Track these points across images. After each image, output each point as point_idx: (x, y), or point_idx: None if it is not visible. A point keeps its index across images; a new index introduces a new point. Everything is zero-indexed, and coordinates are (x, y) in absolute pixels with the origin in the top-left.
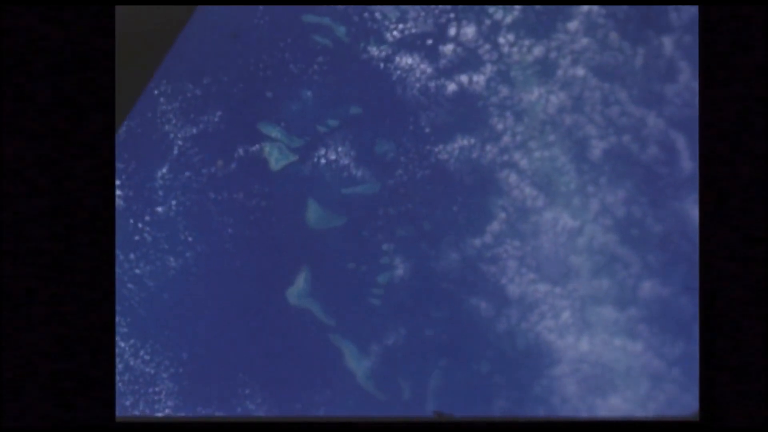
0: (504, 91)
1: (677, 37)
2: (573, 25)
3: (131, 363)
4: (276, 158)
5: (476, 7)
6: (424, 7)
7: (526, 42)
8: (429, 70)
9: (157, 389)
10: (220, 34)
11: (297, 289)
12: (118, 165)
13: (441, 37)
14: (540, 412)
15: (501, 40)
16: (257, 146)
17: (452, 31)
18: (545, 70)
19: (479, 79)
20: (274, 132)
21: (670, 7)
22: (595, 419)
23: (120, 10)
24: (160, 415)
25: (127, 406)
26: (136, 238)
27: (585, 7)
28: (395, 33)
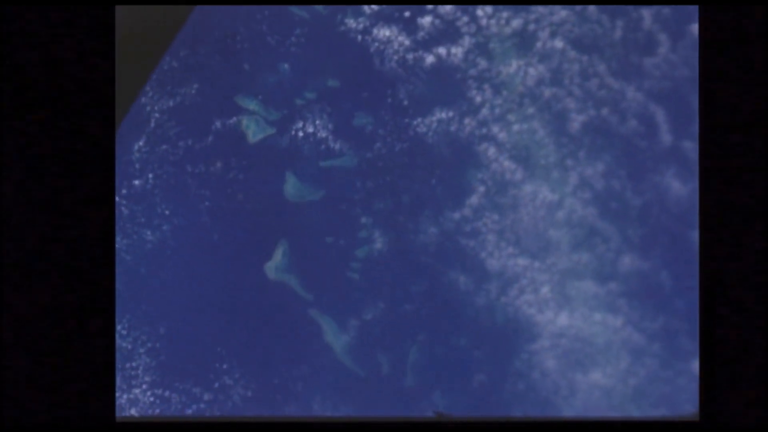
0: (482, 63)
1: (656, 10)
2: None
3: None
4: (253, 131)
5: None
6: None
7: (505, 14)
8: (407, 42)
9: (134, 364)
10: (197, 9)
11: (275, 263)
12: None
13: (419, 9)
14: (520, 387)
15: (479, 12)
16: (234, 119)
17: (430, 4)
18: (524, 42)
19: (457, 51)
20: (252, 104)
21: None
22: (595, 419)
23: (119, 10)
24: (137, 391)
25: None
26: None
27: None
28: (373, 5)
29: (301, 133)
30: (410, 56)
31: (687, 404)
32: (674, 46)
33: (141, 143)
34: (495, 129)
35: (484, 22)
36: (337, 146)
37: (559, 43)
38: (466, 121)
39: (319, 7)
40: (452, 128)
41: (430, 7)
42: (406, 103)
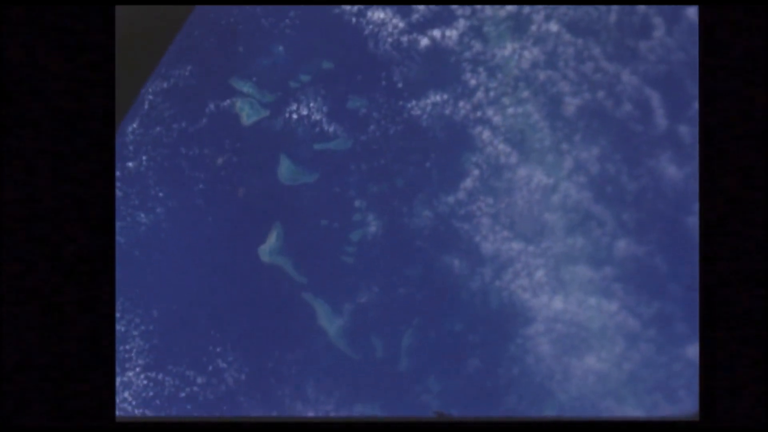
0: (477, 46)
1: None
2: None
3: None
4: (247, 113)
5: None
6: None
7: None
8: (401, 24)
9: (127, 347)
10: None
11: (269, 246)
12: None
13: None
14: (514, 372)
15: None
16: (228, 101)
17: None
18: (519, 25)
19: (452, 34)
20: (246, 87)
21: None
22: (595, 419)
23: (120, 10)
24: (130, 374)
25: None
26: None
27: None
28: None
29: (295, 116)
30: (405, 39)
31: (682, 390)
32: (670, 30)
33: (135, 125)
34: (490, 112)
35: (478, 5)
36: (332, 129)
37: (554, 26)
38: (461, 104)
39: None
40: (447, 111)
41: None
42: (400, 85)
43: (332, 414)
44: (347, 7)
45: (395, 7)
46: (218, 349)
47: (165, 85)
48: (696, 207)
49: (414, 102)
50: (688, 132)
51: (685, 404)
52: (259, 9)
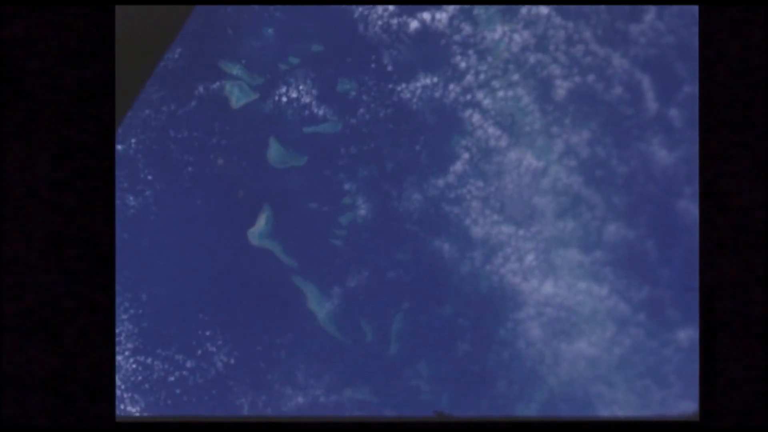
0: (467, 29)
1: None
2: None
3: None
4: (237, 96)
5: None
6: None
7: None
8: (391, 7)
9: (116, 331)
10: None
11: (258, 230)
12: None
13: None
14: (505, 356)
15: None
16: (218, 84)
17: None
18: (508, 8)
19: (442, 16)
20: (235, 70)
21: None
22: (595, 419)
23: (120, 10)
24: (119, 358)
25: None
26: None
27: None
28: None
29: (284, 99)
30: (394, 21)
31: (672, 375)
32: (660, 14)
33: None
34: (479, 95)
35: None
36: (321, 112)
37: (544, 9)
38: (451, 87)
39: None
40: (436, 94)
41: None
42: (390, 68)
43: (322, 399)
44: None
45: None
46: (207, 333)
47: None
48: (687, 190)
49: (404, 85)
50: (679, 115)
51: (676, 388)
52: None
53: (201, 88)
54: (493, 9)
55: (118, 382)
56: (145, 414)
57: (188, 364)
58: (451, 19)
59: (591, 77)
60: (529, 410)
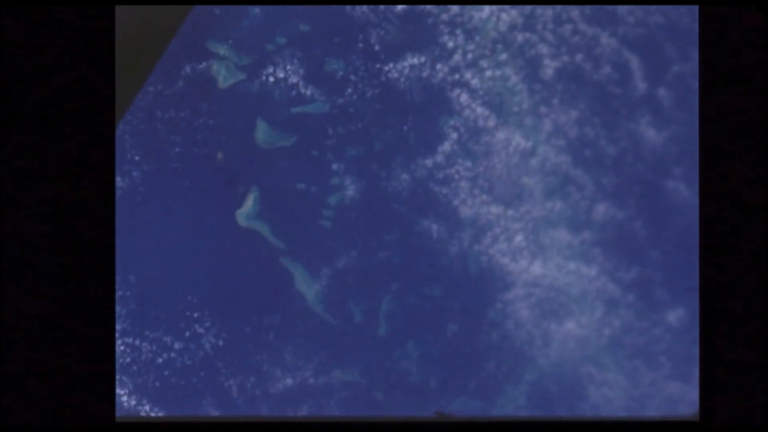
0: (454, 8)
1: None
2: None
3: None
4: (224, 76)
5: None
6: None
7: None
8: None
9: None
10: None
11: (246, 211)
12: None
13: None
14: (493, 337)
15: None
16: (204, 64)
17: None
18: None
19: None
20: (222, 49)
21: None
22: (595, 419)
23: (119, 10)
24: None
25: None
26: None
27: None
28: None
29: (271, 79)
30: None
31: (662, 356)
32: None
33: None
34: (467, 75)
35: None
36: (308, 92)
37: None
38: (438, 66)
39: None
40: (424, 74)
41: None
42: (377, 48)
43: (311, 380)
44: None
45: None
46: (195, 315)
47: None
48: (676, 171)
49: (391, 65)
50: (667, 95)
51: (666, 369)
52: None
53: (188, 68)
54: None
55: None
56: (133, 396)
57: (176, 346)
58: None
59: (579, 57)
60: (518, 391)
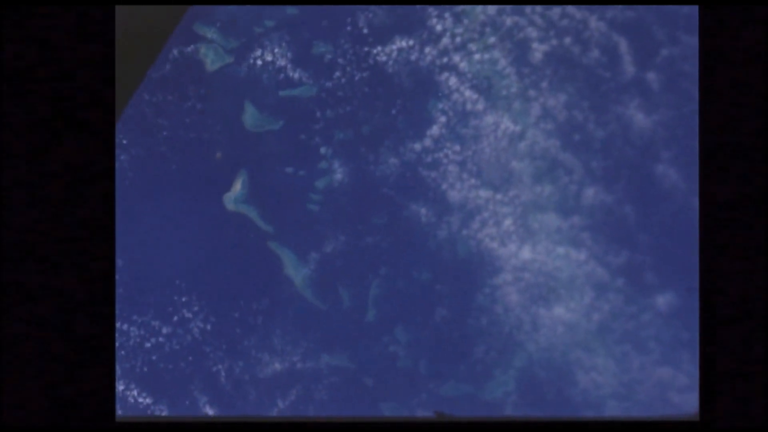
0: None
1: None
2: None
3: None
4: (211, 59)
5: None
6: None
7: None
8: None
9: None
10: None
11: (234, 194)
12: None
13: None
14: (483, 322)
15: None
16: (192, 47)
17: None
18: None
19: None
20: (210, 33)
21: None
22: (595, 419)
23: (119, 10)
24: None
25: None
26: None
27: None
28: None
29: (259, 62)
30: None
31: (651, 341)
32: None
33: None
34: (456, 58)
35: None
36: (296, 75)
37: None
38: (427, 50)
39: None
40: (413, 57)
41: None
42: (365, 31)
43: (299, 365)
44: None
45: None
46: (183, 299)
47: None
48: (664, 155)
49: (379, 48)
50: (656, 79)
51: (655, 354)
52: None
53: (176, 52)
54: None
55: None
56: (121, 381)
57: (164, 331)
58: None
59: (568, 40)
60: (507, 376)
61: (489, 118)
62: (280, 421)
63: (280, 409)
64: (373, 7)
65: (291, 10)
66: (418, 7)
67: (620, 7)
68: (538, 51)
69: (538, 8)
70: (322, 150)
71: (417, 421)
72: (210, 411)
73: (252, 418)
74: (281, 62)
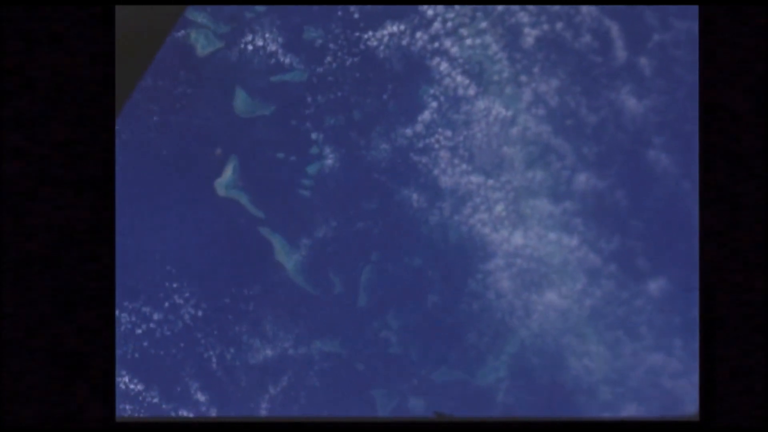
0: None
1: None
2: None
3: None
4: (202, 44)
5: None
6: None
7: None
8: None
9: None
10: None
11: (225, 180)
12: None
13: None
14: (474, 308)
15: None
16: (183, 32)
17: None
18: None
19: None
20: (200, 17)
21: None
22: (595, 419)
23: (119, 10)
24: None
25: None
26: None
27: None
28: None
29: (250, 47)
30: None
31: (643, 327)
32: None
33: None
34: (447, 43)
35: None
36: (287, 60)
37: None
38: (418, 35)
39: None
40: (404, 42)
41: None
42: (356, 16)
43: (290, 351)
44: None
45: None
46: (174, 285)
47: None
48: (656, 140)
49: (371, 33)
50: (648, 64)
51: (647, 341)
52: None
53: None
54: None
55: None
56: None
57: (155, 317)
58: None
59: (560, 25)
60: (499, 362)
61: (480, 104)
62: (281, 421)
63: (271, 395)
64: None
65: None
66: None
67: None
68: (530, 36)
69: None
70: (313, 135)
71: (417, 421)
72: (201, 397)
73: (252, 418)
74: (272, 47)
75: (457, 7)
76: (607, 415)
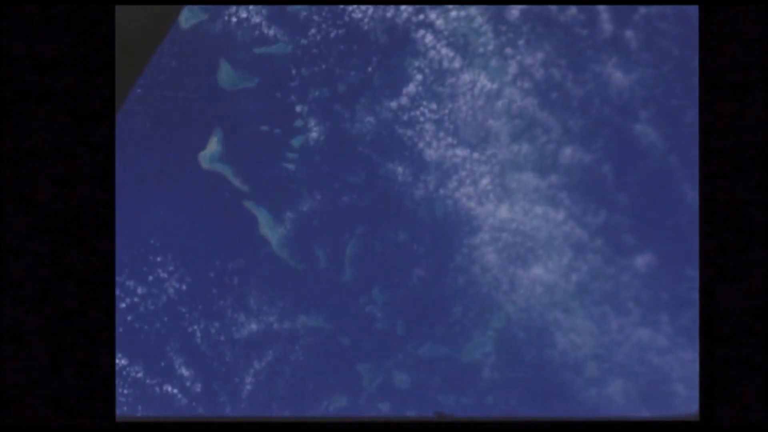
0: None
1: None
2: None
3: None
4: (186, 17)
5: None
6: None
7: None
8: None
9: None
10: None
11: (209, 153)
12: None
13: None
14: (460, 282)
15: None
16: None
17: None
18: None
19: None
20: None
21: None
22: (595, 419)
23: (119, 10)
24: None
25: None
26: None
27: None
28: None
29: (234, 19)
30: None
31: (630, 302)
32: None
33: None
34: (432, 15)
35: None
36: (271, 32)
37: None
38: (403, 7)
39: None
40: (388, 14)
41: None
42: None
43: (275, 325)
44: None
45: None
46: (158, 259)
47: None
48: (642, 114)
49: (355, 5)
50: (634, 37)
51: (634, 316)
52: None
53: None
54: None
55: None
56: None
57: (139, 291)
58: None
59: None
60: (485, 337)
61: (465, 76)
62: (280, 421)
63: (256, 369)
64: None
65: None
66: None
67: None
68: (515, 8)
69: None
70: (298, 108)
71: (417, 421)
72: (186, 372)
73: (251, 418)
74: (256, 19)
75: None
76: (593, 390)
